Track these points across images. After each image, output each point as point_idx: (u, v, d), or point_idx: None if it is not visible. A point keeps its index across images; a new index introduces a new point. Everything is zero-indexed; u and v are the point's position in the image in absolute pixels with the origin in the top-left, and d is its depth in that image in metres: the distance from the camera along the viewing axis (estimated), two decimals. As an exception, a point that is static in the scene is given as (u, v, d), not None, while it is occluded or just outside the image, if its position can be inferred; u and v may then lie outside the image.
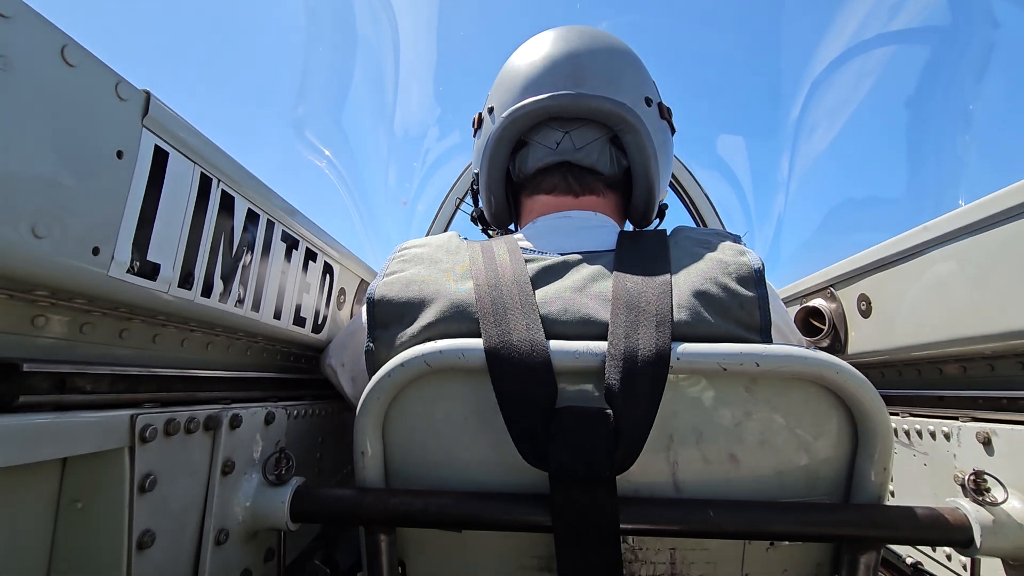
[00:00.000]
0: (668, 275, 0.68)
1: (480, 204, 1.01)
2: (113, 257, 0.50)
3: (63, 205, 0.44)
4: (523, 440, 0.59)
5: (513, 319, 0.63)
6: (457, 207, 1.82)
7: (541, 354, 0.60)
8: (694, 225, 1.54)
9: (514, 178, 0.92)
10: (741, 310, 0.65)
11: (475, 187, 1.01)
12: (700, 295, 0.65)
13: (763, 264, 0.70)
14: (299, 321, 0.90)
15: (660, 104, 0.94)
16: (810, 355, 0.60)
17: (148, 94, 0.52)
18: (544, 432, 0.58)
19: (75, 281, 0.47)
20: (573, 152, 0.86)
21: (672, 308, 0.64)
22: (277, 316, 0.82)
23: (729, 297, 0.66)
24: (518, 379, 0.60)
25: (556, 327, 0.65)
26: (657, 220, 1.00)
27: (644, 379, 0.58)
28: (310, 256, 0.92)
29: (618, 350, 0.60)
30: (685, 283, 0.67)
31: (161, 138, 0.54)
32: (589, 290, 0.68)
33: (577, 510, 0.58)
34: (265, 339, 0.86)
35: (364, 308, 0.72)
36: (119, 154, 0.49)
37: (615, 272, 0.69)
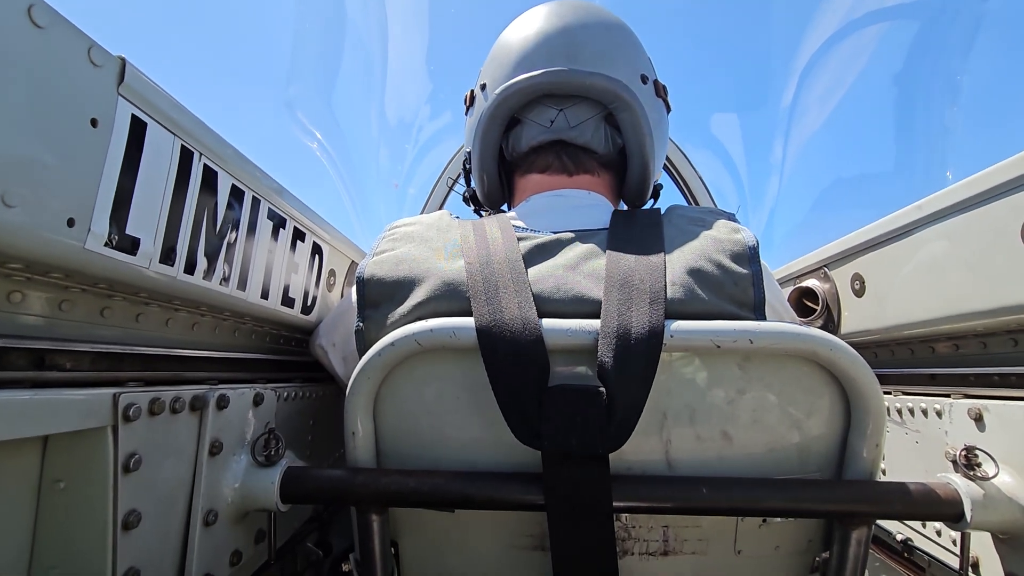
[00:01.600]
0: (662, 253, 0.67)
1: (472, 184, 1.00)
2: (90, 229, 0.48)
3: (35, 174, 0.43)
4: (515, 419, 0.58)
5: (505, 297, 0.62)
6: (450, 188, 1.80)
7: (533, 332, 0.59)
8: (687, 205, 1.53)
9: (507, 157, 0.90)
10: (735, 287, 0.65)
11: (467, 166, 0.99)
12: (694, 272, 0.65)
13: (757, 241, 0.69)
14: (287, 302, 0.88)
15: (656, 82, 0.92)
16: (804, 332, 0.60)
17: (123, 60, 0.50)
18: (536, 410, 0.57)
19: (50, 253, 0.45)
20: (567, 130, 0.84)
21: (665, 286, 0.63)
22: (264, 296, 0.81)
23: (723, 274, 0.65)
24: (510, 357, 0.59)
25: (549, 305, 0.64)
26: (652, 200, 0.98)
27: (637, 356, 0.58)
28: (298, 236, 0.90)
29: (611, 328, 0.59)
30: (679, 261, 0.66)
31: (138, 107, 0.52)
32: (582, 268, 0.67)
33: (570, 488, 0.58)
34: (253, 320, 0.84)
35: (354, 287, 0.71)
36: (93, 122, 0.47)
37: (608, 250, 0.68)
